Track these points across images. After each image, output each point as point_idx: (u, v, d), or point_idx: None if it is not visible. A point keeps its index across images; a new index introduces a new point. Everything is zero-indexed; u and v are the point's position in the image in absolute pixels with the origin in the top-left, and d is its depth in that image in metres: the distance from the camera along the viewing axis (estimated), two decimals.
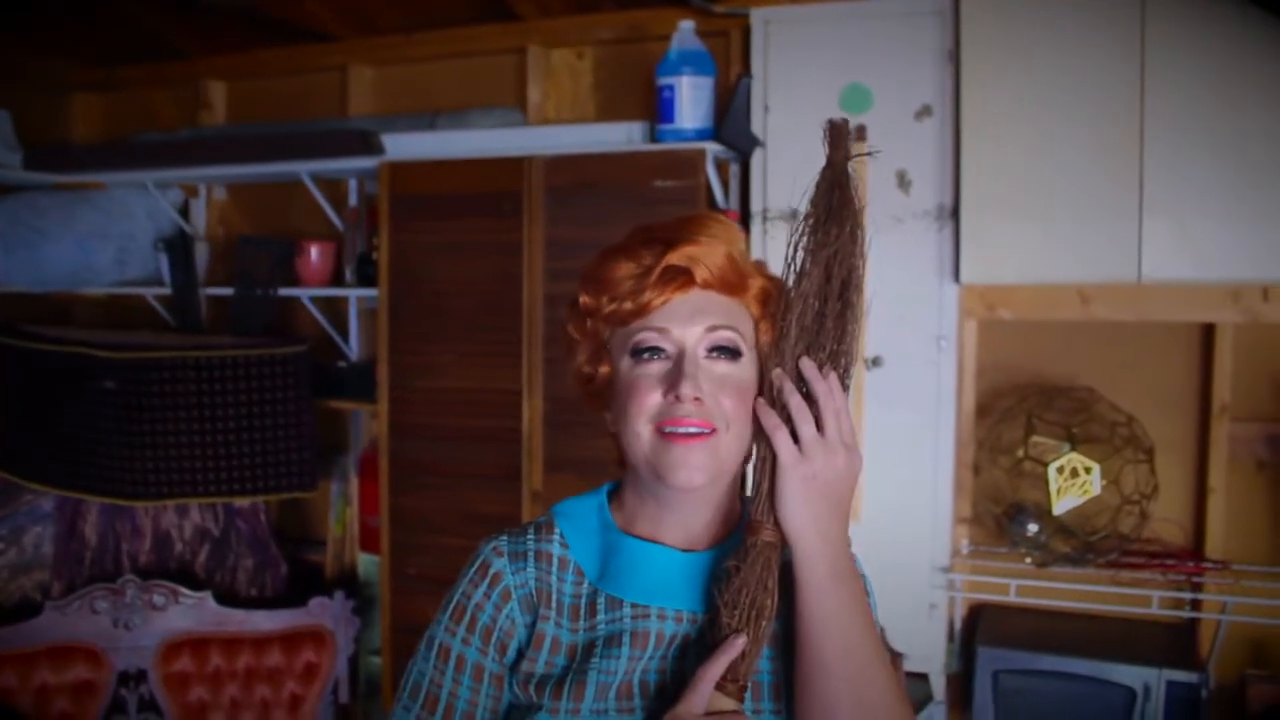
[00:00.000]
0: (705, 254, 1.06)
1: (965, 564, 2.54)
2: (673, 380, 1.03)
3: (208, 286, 3.31)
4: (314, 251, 3.10)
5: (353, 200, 3.16)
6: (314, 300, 3.15)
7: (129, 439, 2.88)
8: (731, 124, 2.52)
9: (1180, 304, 2.35)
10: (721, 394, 1.04)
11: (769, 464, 1.03)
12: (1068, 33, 2.28)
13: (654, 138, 2.59)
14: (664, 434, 1.03)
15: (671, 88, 2.55)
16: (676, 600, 1.07)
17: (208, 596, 2.85)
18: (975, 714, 2.38)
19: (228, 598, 2.94)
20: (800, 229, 1.06)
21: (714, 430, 1.03)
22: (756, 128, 2.54)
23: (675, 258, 1.05)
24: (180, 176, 3.27)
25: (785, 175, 2.51)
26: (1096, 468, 2.35)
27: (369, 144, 2.83)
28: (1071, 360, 2.58)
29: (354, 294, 3.11)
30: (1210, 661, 2.36)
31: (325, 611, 2.91)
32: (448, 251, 2.73)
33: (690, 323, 1.05)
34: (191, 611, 2.82)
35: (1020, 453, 2.45)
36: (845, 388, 1.04)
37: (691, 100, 2.54)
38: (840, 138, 1.06)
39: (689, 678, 1.00)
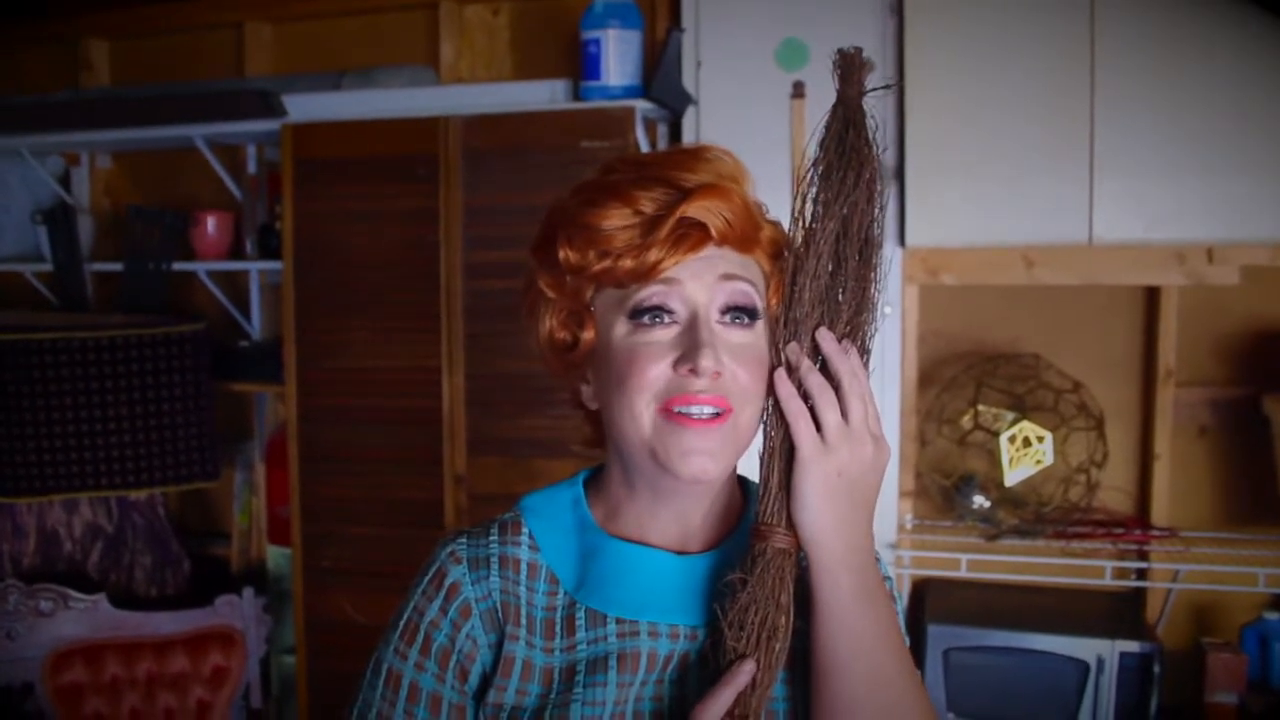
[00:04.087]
0: (724, 203, 0.88)
1: (910, 539, 2.46)
2: (688, 350, 0.86)
3: (93, 262, 3.09)
4: (210, 222, 2.92)
5: (252, 167, 2.97)
6: (211, 275, 2.96)
7: (8, 429, 2.67)
8: (662, 80, 2.38)
9: (1125, 267, 2.29)
10: (738, 366, 0.88)
11: (781, 455, 0.88)
12: None
13: (578, 96, 2.44)
14: (672, 414, 0.86)
15: (597, 42, 2.39)
16: (670, 614, 0.91)
17: (102, 599, 2.64)
18: None
19: (124, 599, 2.74)
20: (809, 176, 0.90)
21: (730, 410, 0.87)
22: (688, 84, 2.40)
23: (693, 210, 0.87)
24: (59, 143, 3.03)
25: (719, 133, 2.37)
26: (1049, 436, 2.28)
27: (269, 105, 2.63)
28: (1012, 326, 2.53)
29: (255, 267, 2.93)
30: (1158, 629, 2.33)
31: (233, 610, 2.72)
32: (358, 220, 2.55)
33: (702, 275, 0.88)
34: (84, 616, 2.61)
35: (968, 422, 2.37)
36: (866, 364, 0.89)
37: (618, 55, 2.39)
38: (853, 70, 0.91)
39: (690, 710, 0.85)
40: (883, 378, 2.37)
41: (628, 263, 0.88)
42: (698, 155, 0.92)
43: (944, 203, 2.27)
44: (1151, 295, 2.45)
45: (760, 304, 0.91)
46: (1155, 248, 2.23)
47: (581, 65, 2.42)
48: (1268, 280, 2.35)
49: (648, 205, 0.88)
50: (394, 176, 2.51)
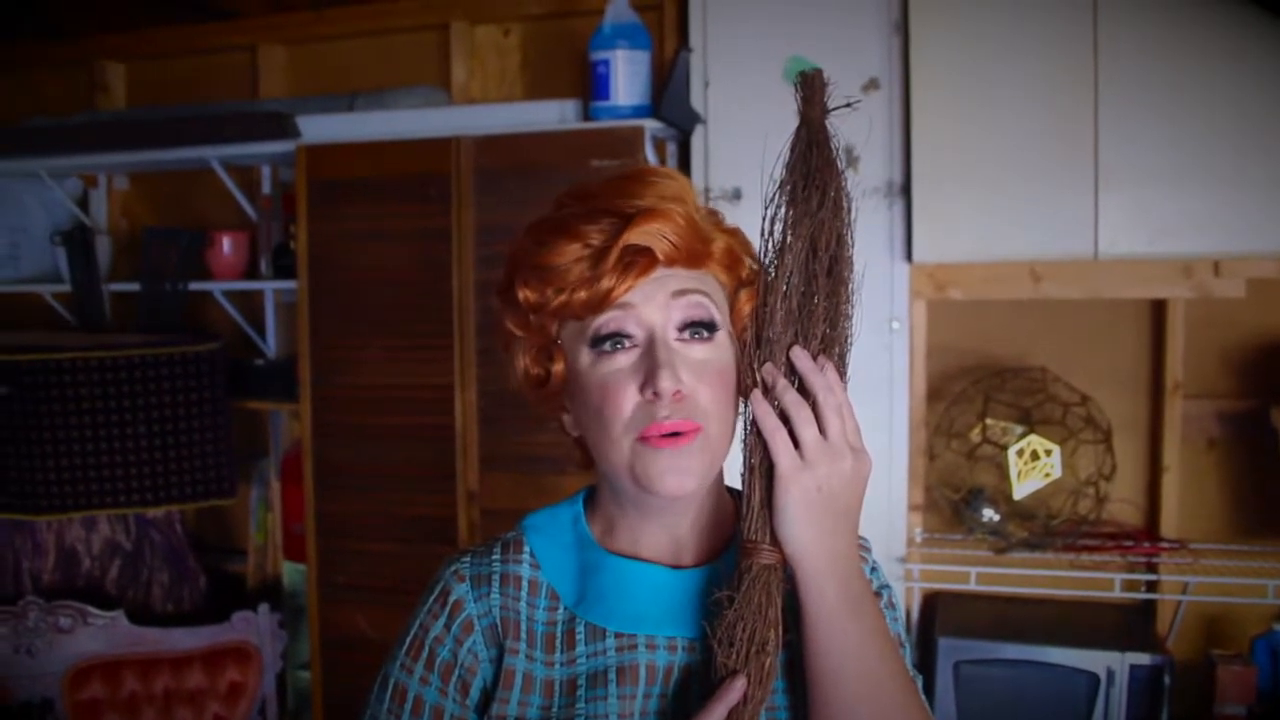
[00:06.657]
0: (666, 225, 0.90)
1: (919, 553, 2.47)
2: (648, 372, 0.89)
3: (111, 282, 3.11)
4: (226, 242, 2.94)
5: (266, 187, 3.00)
6: (227, 294, 2.98)
7: (28, 448, 2.70)
8: (671, 100, 2.40)
9: (1132, 280, 2.30)
10: (700, 384, 0.90)
11: (762, 474, 0.90)
12: (1019, 2, 2.21)
13: (588, 116, 2.46)
14: (645, 439, 0.89)
15: (606, 63, 2.42)
16: (667, 626, 0.93)
17: (120, 615, 2.67)
18: (935, 707, 2.31)
19: (142, 616, 2.76)
20: (776, 198, 0.92)
21: (699, 427, 0.90)
22: (696, 103, 2.43)
23: (635, 236, 0.89)
24: (77, 164, 3.05)
25: (728, 152, 2.40)
26: (1057, 450, 2.29)
27: (283, 126, 2.66)
28: (1020, 340, 2.54)
29: (270, 287, 2.95)
30: (1168, 641, 2.33)
31: (249, 626, 2.75)
32: (371, 240, 2.57)
33: (654, 296, 0.91)
34: (102, 633, 2.63)
35: (976, 436, 2.38)
36: (843, 379, 0.91)
37: (627, 75, 2.42)
38: (815, 91, 0.92)
39: None
40: (891, 392, 2.38)
41: (582, 295, 0.90)
42: (641, 179, 0.94)
43: (950, 218, 2.28)
44: (1158, 308, 2.46)
45: (718, 315, 0.93)
46: (1161, 261, 2.24)
47: (591, 85, 2.45)
48: (1274, 292, 2.35)
49: (595, 237, 0.91)
50: (407, 196, 2.53)
